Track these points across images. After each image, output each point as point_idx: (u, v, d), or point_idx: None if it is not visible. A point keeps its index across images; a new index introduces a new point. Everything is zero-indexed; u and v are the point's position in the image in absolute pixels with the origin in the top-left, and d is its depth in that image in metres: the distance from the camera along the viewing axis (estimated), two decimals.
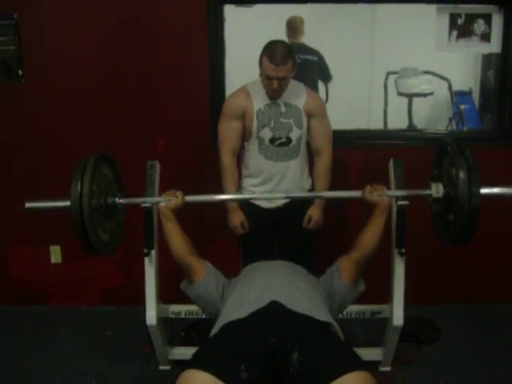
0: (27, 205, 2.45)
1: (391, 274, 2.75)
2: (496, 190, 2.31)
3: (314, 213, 2.96)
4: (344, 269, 2.35)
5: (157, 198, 2.58)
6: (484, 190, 2.19)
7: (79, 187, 2.23)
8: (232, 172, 2.91)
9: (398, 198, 2.56)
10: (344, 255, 2.42)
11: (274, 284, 2.18)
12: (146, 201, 2.62)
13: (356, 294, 2.41)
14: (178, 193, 2.51)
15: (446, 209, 2.38)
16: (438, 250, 2.59)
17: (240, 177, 2.98)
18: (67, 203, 2.28)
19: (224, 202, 2.92)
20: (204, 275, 2.37)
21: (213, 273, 2.40)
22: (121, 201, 2.54)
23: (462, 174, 2.16)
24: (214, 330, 2.07)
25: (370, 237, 2.41)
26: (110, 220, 2.51)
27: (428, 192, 2.43)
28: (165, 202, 2.49)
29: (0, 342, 3.29)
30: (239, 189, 2.97)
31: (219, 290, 2.35)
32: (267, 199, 2.89)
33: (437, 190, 2.40)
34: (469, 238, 2.27)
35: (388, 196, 2.48)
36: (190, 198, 2.55)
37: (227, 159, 2.89)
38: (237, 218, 2.93)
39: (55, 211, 2.97)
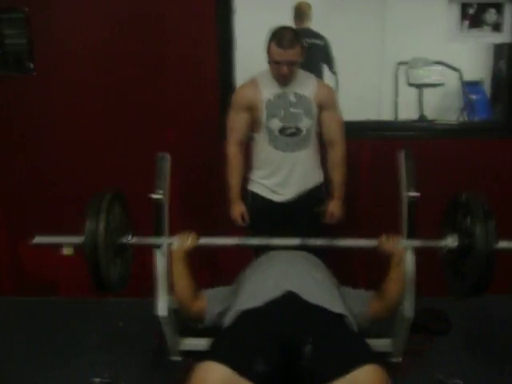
0: (35, 241, 2.45)
1: None
2: None
3: (335, 208, 2.96)
4: (374, 310, 2.38)
5: (169, 239, 2.58)
6: (502, 244, 2.17)
7: (94, 226, 2.23)
8: (237, 162, 2.90)
9: (408, 190, 2.55)
10: (375, 296, 2.42)
11: (290, 273, 2.19)
12: (158, 242, 2.62)
13: (369, 325, 2.43)
14: (192, 235, 2.50)
15: (460, 260, 2.36)
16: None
17: (249, 169, 2.97)
18: (80, 240, 2.27)
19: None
20: (205, 310, 2.41)
21: (213, 297, 2.43)
22: (132, 240, 2.52)
23: (478, 227, 2.14)
24: (229, 318, 2.09)
25: (393, 289, 2.40)
26: (120, 258, 2.50)
27: (442, 244, 2.41)
28: (178, 244, 2.48)
29: (11, 332, 3.33)
30: (247, 182, 2.97)
31: (224, 305, 2.35)
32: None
33: (451, 240, 2.38)
34: (483, 291, 2.26)
35: (403, 245, 2.47)
36: (204, 241, 2.53)
37: (233, 149, 2.89)
38: (237, 210, 2.93)
39: None
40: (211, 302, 2.41)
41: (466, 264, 2.29)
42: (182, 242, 2.48)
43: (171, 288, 2.50)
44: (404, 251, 2.48)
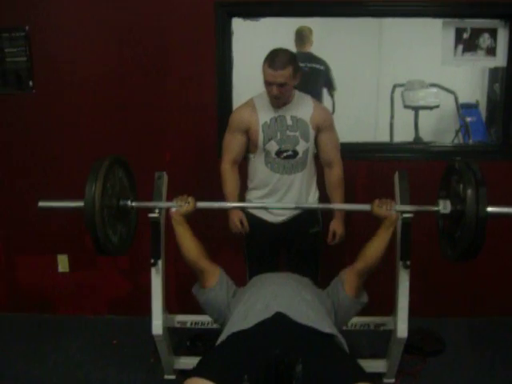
0: (40, 204, 2.48)
1: (396, 286, 2.76)
2: (504, 209, 2.32)
3: (338, 227, 2.98)
4: (347, 280, 2.37)
5: (168, 203, 2.61)
6: (491, 209, 2.21)
7: (93, 188, 2.26)
8: (230, 176, 2.92)
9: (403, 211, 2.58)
10: (348, 267, 2.44)
11: (280, 295, 2.20)
12: (158, 205, 2.65)
13: (359, 306, 2.43)
14: (190, 198, 2.54)
15: (453, 225, 2.40)
16: (443, 262, 2.60)
17: (245, 190, 3.00)
18: (80, 203, 2.30)
19: (234, 208, 2.92)
20: (216, 281, 2.39)
21: (225, 280, 2.41)
22: (133, 204, 2.56)
23: (469, 192, 2.19)
24: (220, 339, 2.09)
25: (374, 249, 2.43)
26: (121, 223, 2.55)
27: (435, 208, 2.45)
28: (176, 208, 2.52)
29: (6, 349, 3.32)
30: (243, 202, 2.99)
31: (228, 298, 2.36)
32: (276, 208, 2.89)
33: (444, 206, 2.42)
34: (474, 256, 2.29)
35: (396, 211, 2.50)
36: (202, 205, 2.58)
37: (226, 166, 2.91)
38: (236, 216, 2.93)
39: (63, 220, 3.01)
40: (221, 282, 2.39)
41: (458, 228, 2.34)
42: (181, 206, 2.51)
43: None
44: (397, 215, 2.50)
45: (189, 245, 2.46)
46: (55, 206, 2.56)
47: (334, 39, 5.16)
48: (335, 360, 1.92)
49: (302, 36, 4.81)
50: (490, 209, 2.19)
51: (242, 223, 2.94)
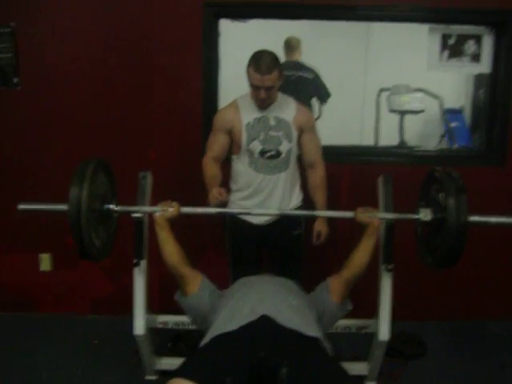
0: (20, 206, 2.42)
1: (378, 290, 2.77)
2: (484, 218, 2.33)
3: (322, 227, 2.99)
4: (334, 288, 2.38)
5: (152, 208, 2.59)
6: (472, 218, 2.22)
7: (79, 191, 2.23)
8: (211, 167, 2.88)
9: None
10: (334, 274, 2.43)
11: (266, 299, 2.20)
12: (142, 210, 2.63)
13: (343, 313, 2.45)
14: (174, 203, 2.52)
15: (433, 233, 2.42)
16: (425, 267, 2.62)
17: (228, 192, 2.97)
18: (63, 207, 2.27)
19: (219, 214, 2.89)
20: (198, 287, 2.37)
21: (207, 285, 2.40)
22: (116, 208, 2.54)
23: (450, 201, 2.20)
24: (204, 341, 2.08)
25: (360, 256, 2.44)
26: (103, 227, 2.51)
27: (416, 216, 2.47)
28: (160, 212, 2.50)
29: None
30: (226, 204, 2.95)
31: (212, 304, 2.34)
32: (260, 215, 2.88)
33: (425, 214, 2.44)
34: (453, 263, 2.31)
35: (378, 218, 2.52)
36: (186, 210, 2.56)
37: (207, 160, 2.90)
38: (214, 190, 2.76)
39: (46, 219, 2.99)
40: (203, 288, 2.38)
41: (438, 236, 2.35)
42: (165, 211, 2.50)
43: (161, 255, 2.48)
44: (379, 222, 2.53)
45: (170, 250, 2.44)
46: (36, 208, 2.50)
47: (321, 43, 5.18)
48: (319, 363, 1.92)
49: (290, 45, 4.82)
50: (470, 218, 2.21)
51: (220, 194, 2.76)
